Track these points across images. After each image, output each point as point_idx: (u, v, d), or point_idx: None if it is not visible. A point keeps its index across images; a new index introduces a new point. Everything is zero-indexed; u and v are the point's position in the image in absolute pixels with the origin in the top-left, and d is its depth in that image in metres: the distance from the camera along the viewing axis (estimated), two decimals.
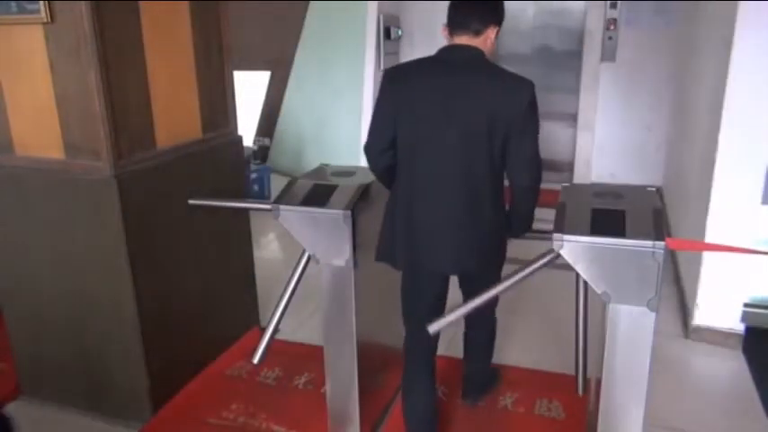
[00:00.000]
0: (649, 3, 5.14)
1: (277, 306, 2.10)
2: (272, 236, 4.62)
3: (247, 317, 3.13)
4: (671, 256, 3.84)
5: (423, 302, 2.10)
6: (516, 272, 1.81)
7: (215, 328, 2.87)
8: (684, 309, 3.25)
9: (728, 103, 2.77)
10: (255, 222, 3.21)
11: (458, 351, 3.00)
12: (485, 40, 1.94)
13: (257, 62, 6.11)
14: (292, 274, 2.12)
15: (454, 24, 1.97)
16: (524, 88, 1.86)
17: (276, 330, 2.11)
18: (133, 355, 2.41)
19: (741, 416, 2.51)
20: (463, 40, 1.94)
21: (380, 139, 2.01)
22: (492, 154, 1.89)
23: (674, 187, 4.51)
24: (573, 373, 2.70)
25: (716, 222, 2.89)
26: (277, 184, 5.01)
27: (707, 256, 2.96)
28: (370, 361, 2.29)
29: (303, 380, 2.76)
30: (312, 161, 4.03)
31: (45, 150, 2.31)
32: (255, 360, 2.07)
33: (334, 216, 2.01)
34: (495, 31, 1.96)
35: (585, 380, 1.95)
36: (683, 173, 3.98)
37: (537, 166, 1.95)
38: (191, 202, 2.40)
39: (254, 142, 5.76)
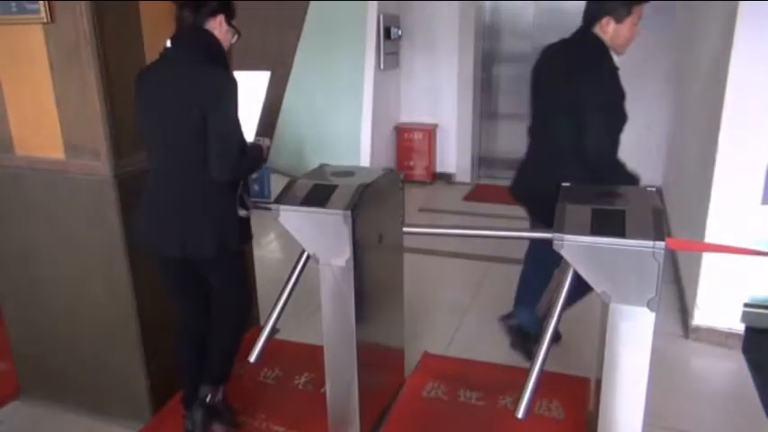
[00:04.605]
0: (649, 3, 5.14)
1: (275, 305, 2.10)
2: (272, 236, 4.62)
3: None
4: (671, 256, 3.84)
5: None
6: None
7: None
8: (684, 309, 3.25)
9: (728, 102, 2.77)
10: (255, 222, 3.20)
11: (458, 351, 3.00)
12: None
13: (257, 62, 6.10)
14: (291, 274, 2.13)
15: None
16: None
17: (274, 330, 2.11)
18: (133, 355, 2.41)
19: (741, 416, 2.50)
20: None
21: None
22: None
23: (673, 187, 4.51)
24: (573, 373, 2.72)
25: (716, 222, 2.89)
26: (277, 184, 5.01)
27: (707, 256, 2.96)
28: (370, 361, 2.29)
29: (303, 380, 2.76)
30: (312, 161, 4.03)
31: (45, 150, 2.31)
32: (252, 359, 2.07)
33: (335, 216, 2.01)
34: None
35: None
36: (683, 173, 3.98)
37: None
38: None
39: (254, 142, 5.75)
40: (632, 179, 2.41)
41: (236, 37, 2.14)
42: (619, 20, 2.37)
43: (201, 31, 2.02)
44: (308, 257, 2.13)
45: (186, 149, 1.98)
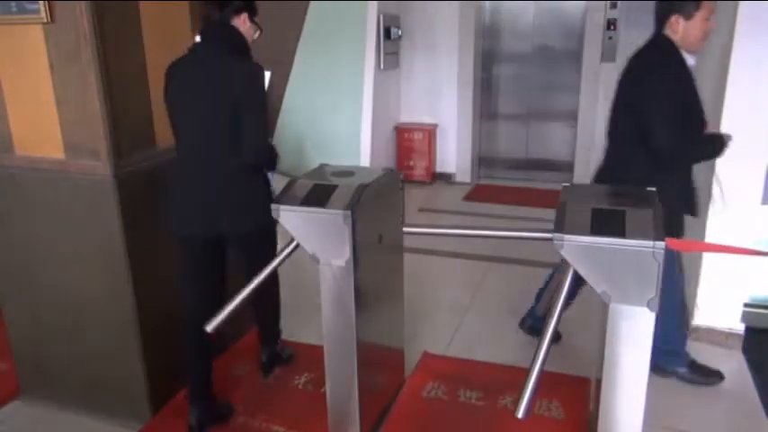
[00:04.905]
0: (649, 3, 5.14)
1: (249, 283, 2.11)
2: None
3: (247, 317, 3.12)
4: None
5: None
6: None
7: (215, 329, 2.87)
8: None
9: (728, 103, 2.77)
10: None
11: (458, 352, 3.00)
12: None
13: (257, 62, 6.11)
14: (275, 258, 2.15)
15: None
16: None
17: (240, 305, 2.10)
18: (133, 355, 2.41)
19: (741, 416, 2.51)
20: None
21: None
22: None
23: None
24: (573, 373, 2.72)
25: (716, 222, 2.88)
26: (277, 184, 5.00)
27: (707, 256, 2.96)
28: (370, 361, 2.29)
29: (303, 380, 2.76)
30: (312, 161, 4.02)
31: (45, 150, 2.31)
32: (209, 328, 2.09)
33: (334, 216, 2.01)
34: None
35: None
36: None
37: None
38: None
39: None
40: (719, 140, 2.39)
41: (258, 33, 2.30)
42: (688, 16, 2.30)
43: (228, 27, 2.17)
44: (297, 246, 2.13)
45: (219, 137, 2.13)
